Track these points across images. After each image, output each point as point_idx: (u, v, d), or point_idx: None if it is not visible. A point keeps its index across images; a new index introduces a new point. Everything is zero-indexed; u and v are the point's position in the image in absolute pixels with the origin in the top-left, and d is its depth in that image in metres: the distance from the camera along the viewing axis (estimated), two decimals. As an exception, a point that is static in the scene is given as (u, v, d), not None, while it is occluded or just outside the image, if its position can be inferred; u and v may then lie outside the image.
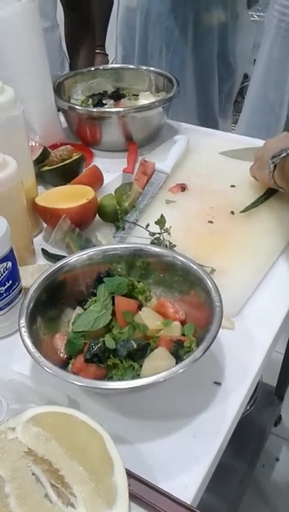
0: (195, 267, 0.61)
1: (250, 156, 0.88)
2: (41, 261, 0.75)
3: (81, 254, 0.63)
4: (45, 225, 0.81)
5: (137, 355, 0.55)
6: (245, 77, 1.60)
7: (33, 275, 0.66)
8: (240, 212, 0.82)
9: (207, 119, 1.48)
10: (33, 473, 0.43)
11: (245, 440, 1.30)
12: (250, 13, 2.51)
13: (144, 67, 1.14)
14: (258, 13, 2.51)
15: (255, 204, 0.83)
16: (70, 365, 0.56)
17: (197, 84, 1.43)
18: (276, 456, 1.44)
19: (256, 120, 1.29)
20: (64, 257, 0.65)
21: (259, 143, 0.92)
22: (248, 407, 1.28)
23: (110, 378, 0.54)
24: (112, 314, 0.59)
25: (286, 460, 1.43)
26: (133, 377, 0.53)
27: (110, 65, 1.15)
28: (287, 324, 1.26)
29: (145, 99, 1.07)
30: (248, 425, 1.31)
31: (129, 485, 0.45)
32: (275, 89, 1.22)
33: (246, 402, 0.58)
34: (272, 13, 1.19)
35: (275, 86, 1.21)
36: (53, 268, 0.61)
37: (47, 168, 0.89)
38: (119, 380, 0.53)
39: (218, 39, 1.38)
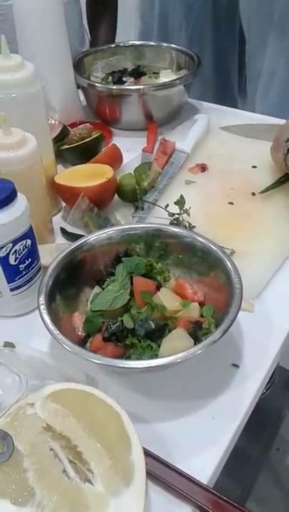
0: (215, 248, 0.60)
1: (258, 134, 0.86)
2: (60, 240, 0.75)
3: (100, 233, 0.62)
4: (64, 204, 0.81)
5: (155, 335, 0.55)
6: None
7: (51, 254, 0.66)
8: (260, 193, 0.81)
9: (226, 99, 1.45)
10: (51, 449, 0.44)
11: (261, 423, 1.31)
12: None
13: (164, 44, 1.11)
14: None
15: (274, 185, 0.81)
16: (88, 344, 0.56)
17: (216, 63, 1.39)
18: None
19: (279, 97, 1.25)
20: (82, 236, 0.65)
21: (281, 122, 0.89)
22: (265, 391, 1.27)
23: (128, 357, 0.54)
24: (131, 294, 0.59)
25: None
26: (151, 357, 0.53)
27: (131, 42, 1.12)
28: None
29: (166, 77, 1.05)
30: (264, 408, 1.31)
31: (146, 463, 0.45)
32: None
33: (264, 386, 0.58)
34: None
35: None
36: (72, 247, 0.60)
37: (66, 146, 0.88)
38: (137, 359, 0.53)
39: (239, 16, 1.34)
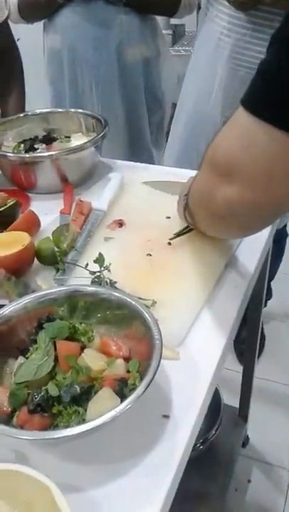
0: (132, 301, 0.62)
1: (173, 189, 0.91)
2: (-19, 312, 0.74)
3: (15, 304, 0.62)
4: (-17, 275, 0.80)
5: (82, 399, 0.55)
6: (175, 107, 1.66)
7: (-28, 328, 0.65)
8: (170, 239, 0.84)
9: (141, 151, 1.52)
10: (-21, 539, 0.42)
11: (215, 464, 1.30)
12: (176, 48, 2.64)
13: (72, 110, 1.17)
14: (184, 48, 2.65)
15: (182, 231, 0.84)
16: (14, 418, 0.55)
17: (127, 117, 1.47)
18: (248, 478, 1.44)
19: (184, 152, 1.34)
20: (4, 305, 0.64)
21: (191, 174, 0.95)
22: (214, 431, 1.28)
23: (56, 426, 0.53)
24: (55, 360, 0.59)
25: (258, 481, 1.43)
26: (78, 423, 0.53)
27: (39, 110, 1.17)
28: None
29: (77, 141, 1.09)
30: (216, 449, 1.31)
31: (83, 535, 0.44)
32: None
33: (196, 432, 0.59)
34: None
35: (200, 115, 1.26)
36: (-12, 321, 0.60)
37: (-18, 217, 0.89)
38: (65, 427, 0.53)
39: (143, 73, 1.44)
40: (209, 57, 1.23)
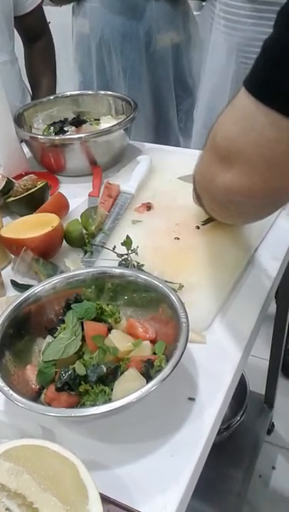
0: (159, 284, 0.62)
1: None
2: (11, 292, 0.75)
3: (45, 283, 0.63)
4: (13, 256, 0.81)
5: (108, 378, 0.55)
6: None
7: (2, 307, 0.66)
8: (201, 225, 0.83)
9: (168, 138, 1.51)
10: (6, 509, 0.43)
11: (240, 451, 1.30)
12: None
13: (102, 92, 1.16)
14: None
15: (211, 218, 0.83)
16: (42, 396, 0.56)
17: (155, 104, 1.46)
18: (272, 465, 1.43)
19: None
20: (33, 286, 0.65)
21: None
22: (239, 417, 1.28)
23: (83, 405, 0.54)
24: (83, 340, 0.60)
25: (283, 468, 1.43)
26: (105, 402, 0.53)
27: (69, 92, 1.17)
28: (270, 331, 1.27)
29: (106, 123, 1.09)
30: (241, 435, 1.31)
31: (107, 510, 0.44)
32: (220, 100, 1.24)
33: (222, 416, 0.59)
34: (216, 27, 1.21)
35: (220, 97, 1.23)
36: (18, 300, 0.61)
37: (12, 198, 0.90)
38: (91, 405, 0.53)
39: (172, 60, 1.42)
40: (221, 51, 1.20)
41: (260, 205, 0.55)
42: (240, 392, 1.29)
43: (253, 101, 0.46)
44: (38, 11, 1.30)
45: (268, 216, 0.67)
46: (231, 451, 1.27)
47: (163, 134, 1.50)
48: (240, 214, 0.62)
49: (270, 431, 1.47)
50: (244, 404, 1.28)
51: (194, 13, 1.50)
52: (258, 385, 1.39)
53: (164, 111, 1.48)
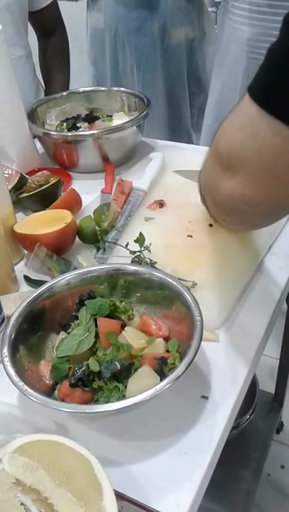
0: (173, 282, 0.62)
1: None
2: (24, 288, 0.76)
3: (59, 279, 0.63)
4: (26, 252, 0.82)
5: (122, 375, 0.55)
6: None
7: (15, 303, 0.66)
8: (216, 223, 0.83)
9: (180, 134, 1.50)
10: (21, 504, 0.43)
11: (249, 449, 1.30)
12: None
13: (115, 88, 1.16)
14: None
15: None
16: (56, 391, 0.56)
17: (169, 99, 1.45)
18: (281, 464, 1.43)
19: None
20: (46, 282, 0.65)
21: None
22: (248, 416, 1.28)
23: (96, 401, 0.54)
24: (96, 336, 0.60)
25: (292, 467, 1.43)
26: (118, 399, 0.53)
27: (82, 89, 1.16)
28: (280, 330, 1.26)
29: (119, 120, 1.09)
30: (250, 434, 1.31)
31: (121, 507, 0.45)
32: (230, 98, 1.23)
33: (235, 414, 0.58)
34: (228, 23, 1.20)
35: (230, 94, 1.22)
36: (33, 296, 0.61)
37: (25, 194, 0.90)
38: (105, 402, 0.53)
39: (186, 55, 1.41)
40: (232, 46, 1.18)
41: (264, 214, 0.54)
42: (250, 391, 1.28)
43: (257, 109, 0.44)
44: (53, 6, 1.30)
45: (275, 223, 0.65)
46: (240, 450, 1.27)
47: (175, 130, 1.50)
48: (244, 222, 0.61)
49: (279, 430, 1.46)
50: (253, 403, 1.28)
51: (209, 9, 1.49)
52: (267, 384, 1.39)
53: (177, 106, 1.48)
